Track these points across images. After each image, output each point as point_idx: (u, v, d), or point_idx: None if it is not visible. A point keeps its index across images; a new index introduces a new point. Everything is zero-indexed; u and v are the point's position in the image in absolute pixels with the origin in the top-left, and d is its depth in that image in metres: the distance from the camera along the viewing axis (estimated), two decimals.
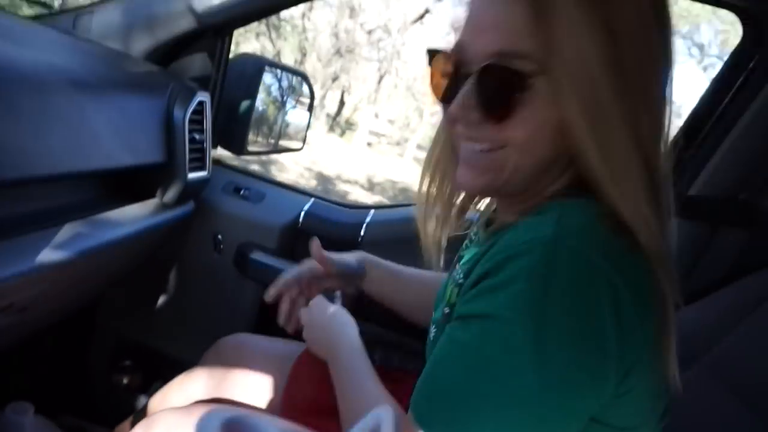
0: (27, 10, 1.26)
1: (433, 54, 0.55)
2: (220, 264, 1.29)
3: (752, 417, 0.80)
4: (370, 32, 10.79)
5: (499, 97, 0.47)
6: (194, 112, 1.10)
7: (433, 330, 0.65)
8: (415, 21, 10.75)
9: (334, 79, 11.38)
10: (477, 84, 0.48)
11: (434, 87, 0.55)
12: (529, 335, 0.43)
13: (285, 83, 1.60)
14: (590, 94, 0.45)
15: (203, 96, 1.13)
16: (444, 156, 0.63)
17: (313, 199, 1.35)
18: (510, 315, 0.44)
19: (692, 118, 1.13)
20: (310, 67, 11.49)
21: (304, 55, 11.61)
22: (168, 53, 1.17)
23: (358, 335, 0.77)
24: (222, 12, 1.06)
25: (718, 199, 1.09)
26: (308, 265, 0.91)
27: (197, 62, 1.20)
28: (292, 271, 0.91)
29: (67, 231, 0.82)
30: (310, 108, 1.62)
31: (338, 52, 10.98)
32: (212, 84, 1.22)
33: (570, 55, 0.44)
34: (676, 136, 1.15)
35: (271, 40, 11.35)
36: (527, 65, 0.46)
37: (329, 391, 0.74)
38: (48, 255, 0.75)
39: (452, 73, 0.52)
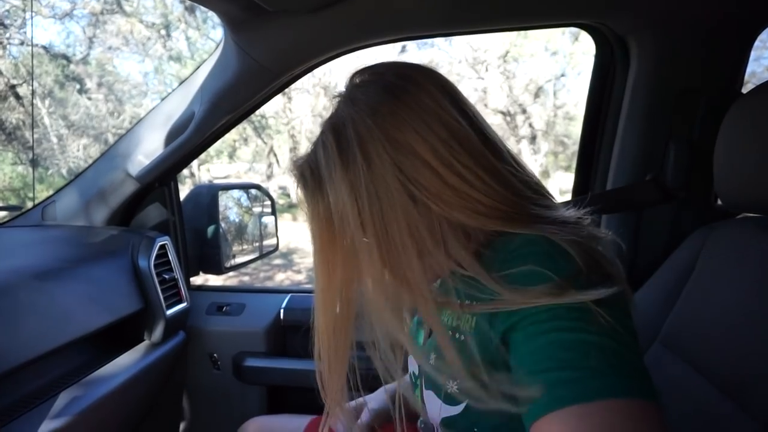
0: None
1: None
2: (222, 379, 1.41)
3: (704, 382, 0.85)
4: None
5: None
6: (159, 256, 1.26)
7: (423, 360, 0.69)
8: None
9: None
10: None
11: None
12: None
13: (244, 198, 1.77)
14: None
15: (163, 240, 1.28)
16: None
17: (289, 295, 1.47)
18: None
19: (586, 125, 1.25)
20: (305, 151, 11.89)
21: (296, 142, 12.09)
22: (125, 213, 1.34)
23: None
24: (153, 170, 1.23)
25: (630, 186, 1.17)
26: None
27: (153, 212, 1.37)
28: None
29: (63, 399, 0.95)
30: (273, 211, 1.77)
31: None
32: (171, 225, 1.38)
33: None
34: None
35: (262, 139, 11.89)
36: None
37: None
38: (47, 426, 0.88)
39: None
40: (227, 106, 1.16)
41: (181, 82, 1.22)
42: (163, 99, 1.25)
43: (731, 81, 1.10)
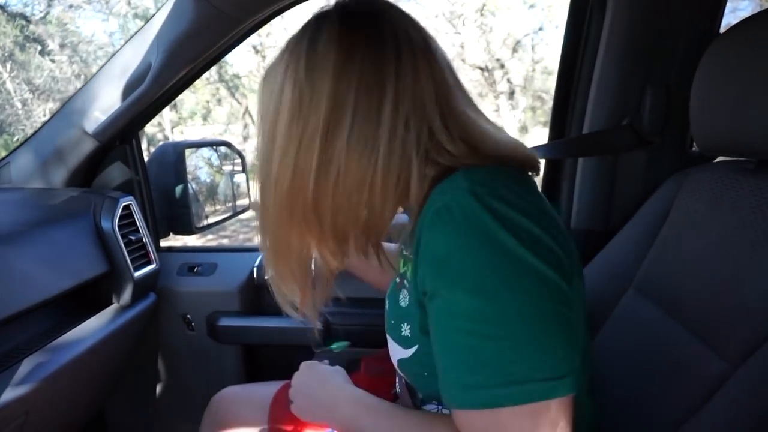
0: None
1: None
2: (197, 339, 1.39)
3: (676, 325, 0.85)
4: None
5: None
6: (123, 216, 1.21)
7: (387, 302, 0.71)
8: None
9: None
10: None
11: None
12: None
13: (214, 157, 1.71)
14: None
15: (127, 200, 1.23)
16: None
17: (262, 253, 1.43)
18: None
19: (562, 70, 1.21)
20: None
21: None
22: (86, 174, 1.28)
23: (365, 395, 0.69)
24: (111, 127, 1.16)
25: (606, 130, 1.15)
26: None
27: (116, 171, 1.31)
28: None
29: (26, 365, 0.92)
30: (244, 169, 1.72)
31: None
32: (136, 185, 1.33)
33: None
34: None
35: (236, 99, 11.59)
36: None
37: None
38: (10, 393, 0.85)
39: None
40: (186, 55, 1.09)
41: (137, 31, 1.14)
42: (117, 50, 1.17)
43: (710, 22, 1.07)
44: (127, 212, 1.23)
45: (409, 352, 0.62)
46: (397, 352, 0.65)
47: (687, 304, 0.82)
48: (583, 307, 0.60)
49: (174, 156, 1.45)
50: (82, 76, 9.81)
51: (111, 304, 1.20)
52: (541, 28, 9.82)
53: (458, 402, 0.50)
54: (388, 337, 0.68)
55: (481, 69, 9.78)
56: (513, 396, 0.47)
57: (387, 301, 0.71)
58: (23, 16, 9.48)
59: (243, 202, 1.70)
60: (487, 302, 0.48)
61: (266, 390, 1.03)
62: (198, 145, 1.60)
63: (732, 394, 0.65)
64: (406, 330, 0.62)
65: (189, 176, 1.50)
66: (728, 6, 1.09)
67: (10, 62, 9.44)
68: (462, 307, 0.49)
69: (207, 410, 1.05)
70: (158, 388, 1.47)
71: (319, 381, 0.74)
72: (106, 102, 1.16)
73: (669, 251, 0.94)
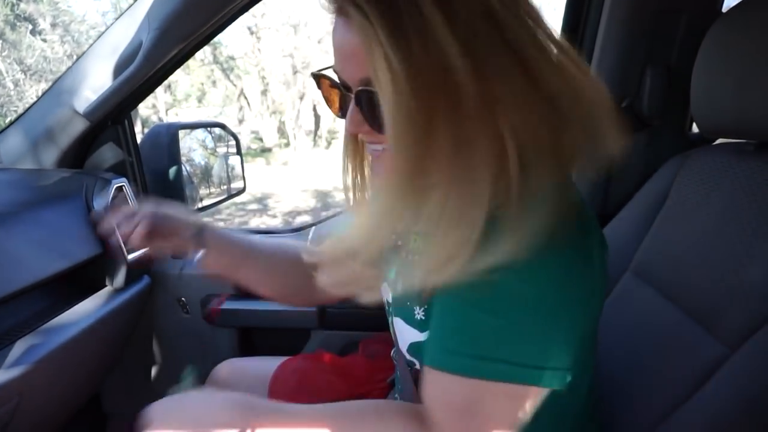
0: None
1: (318, 77, 0.61)
2: (193, 323, 1.38)
3: (674, 308, 0.85)
4: (320, 41, 10.84)
5: (374, 114, 0.51)
6: (116, 197, 1.19)
7: (399, 283, 0.67)
8: None
9: (302, 97, 11.46)
10: (356, 105, 0.53)
11: (329, 103, 0.61)
12: None
13: (208, 137, 1.68)
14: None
15: (120, 181, 1.21)
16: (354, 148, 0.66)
17: (257, 236, 1.42)
18: None
19: None
20: (276, 93, 11.62)
21: (266, 83, 11.73)
22: (77, 155, 1.26)
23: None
24: (102, 106, 1.14)
25: None
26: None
27: (108, 152, 1.29)
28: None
29: (19, 347, 0.91)
30: (239, 151, 1.70)
31: (296, 72, 11.08)
32: (128, 166, 1.31)
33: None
34: None
35: (231, 81, 11.49)
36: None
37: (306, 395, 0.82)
38: (3, 375, 0.84)
39: (338, 94, 0.58)
40: (178, 33, 1.06)
41: (127, 8, 1.12)
42: (107, 27, 1.14)
43: (711, 2, 1.05)
44: (120, 194, 1.21)
45: (424, 336, 0.61)
46: (408, 336, 0.63)
47: (685, 287, 0.82)
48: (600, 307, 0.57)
49: (167, 137, 1.42)
50: (75, 56, 9.68)
51: (104, 286, 1.19)
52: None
53: (438, 362, 0.51)
54: (398, 321, 0.66)
55: None
56: (495, 372, 0.48)
57: (399, 282, 0.67)
58: None
59: (238, 184, 1.68)
60: (505, 281, 0.47)
61: (266, 364, 1.03)
62: (192, 126, 1.57)
63: (729, 377, 0.65)
64: (419, 313, 0.61)
65: (183, 158, 1.48)
66: None
67: (0, 41, 9.31)
68: (477, 281, 0.47)
69: (207, 381, 1.05)
70: (154, 372, 1.46)
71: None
72: (96, 81, 1.14)
73: (667, 234, 0.93)
